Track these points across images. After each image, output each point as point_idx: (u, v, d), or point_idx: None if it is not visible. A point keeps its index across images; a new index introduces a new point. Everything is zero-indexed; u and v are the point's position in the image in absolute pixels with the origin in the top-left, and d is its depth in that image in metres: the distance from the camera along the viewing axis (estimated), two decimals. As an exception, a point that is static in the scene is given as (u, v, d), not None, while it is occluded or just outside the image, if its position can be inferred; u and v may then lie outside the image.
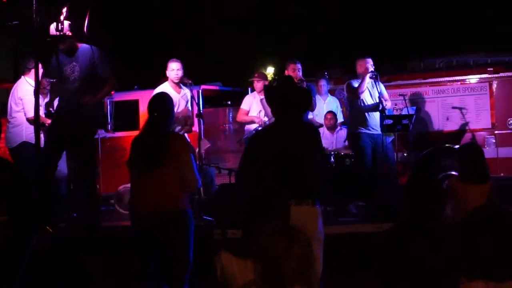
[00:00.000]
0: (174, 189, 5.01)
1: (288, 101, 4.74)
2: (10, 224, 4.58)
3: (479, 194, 5.54)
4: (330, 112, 10.02)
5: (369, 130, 8.63)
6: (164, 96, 5.51)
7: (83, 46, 7.32)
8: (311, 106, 8.45)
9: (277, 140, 4.66)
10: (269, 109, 7.93)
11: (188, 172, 5.04)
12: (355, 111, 8.79)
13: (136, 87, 11.29)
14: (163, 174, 4.98)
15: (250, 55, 18.79)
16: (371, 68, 8.53)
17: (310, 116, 9.33)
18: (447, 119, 10.54)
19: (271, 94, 4.93)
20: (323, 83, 10.29)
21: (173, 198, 5.01)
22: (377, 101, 8.74)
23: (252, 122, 8.76)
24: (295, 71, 8.33)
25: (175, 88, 8.12)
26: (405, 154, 10.14)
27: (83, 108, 7.10)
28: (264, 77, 9.36)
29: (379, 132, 8.74)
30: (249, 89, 9.49)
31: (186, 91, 8.19)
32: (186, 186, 5.10)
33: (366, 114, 8.64)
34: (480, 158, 5.78)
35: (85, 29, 8.42)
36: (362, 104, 8.66)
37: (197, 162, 8.57)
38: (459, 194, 5.60)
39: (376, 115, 8.71)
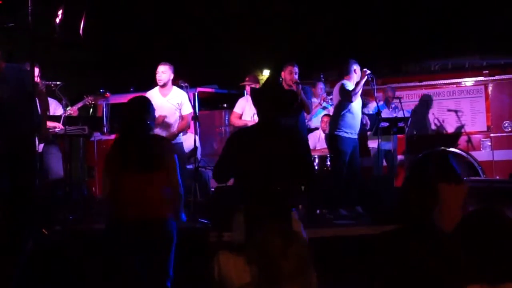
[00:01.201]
0: (160, 195, 4.96)
1: (271, 102, 4.75)
2: (6, 221, 4.58)
3: (455, 195, 5.62)
4: (326, 115, 10.01)
5: (351, 134, 8.54)
6: (140, 99, 5.43)
7: (9, 66, 7.03)
8: (307, 109, 8.45)
9: (254, 141, 4.69)
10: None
11: (173, 176, 5.02)
12: (341, 114, 8.54)
13: (132, 89, 11.28)
14: (149, 179, 4.93)
15: (247, 57, 18.78)
16: (368, 71, 8.48)
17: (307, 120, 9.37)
18: (443, 121, 10.57)
19: (255, 96, 4.96)
20: (321, 86, 10.30)
21: (158, 205, 4.94)
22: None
23: (245, 125, 8.72)
24: (292, 73, 8.29)
25: (162, 92, 8.10)
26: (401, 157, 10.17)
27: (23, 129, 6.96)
28: (256, 80, 9.37)
29: (356, 136, 8.64)
30: (245, 91, 9.49)
31: (175, 95, 8.14)
32: (171, 190, 5.04)
33: (352, 117, 8.55)
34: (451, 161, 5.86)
35: (80, 31, 8.43)
36: (350, 107, 8.54)
37: (194, 165, 8.58)
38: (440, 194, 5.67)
39: (359, 119, 8.65)
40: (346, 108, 8.49)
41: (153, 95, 7.95)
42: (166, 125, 8.02)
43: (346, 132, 8.48)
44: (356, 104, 8.54)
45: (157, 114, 7.72)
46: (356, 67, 8.54)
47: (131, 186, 4.96)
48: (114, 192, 5.06)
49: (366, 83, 8.65)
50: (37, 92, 7.19)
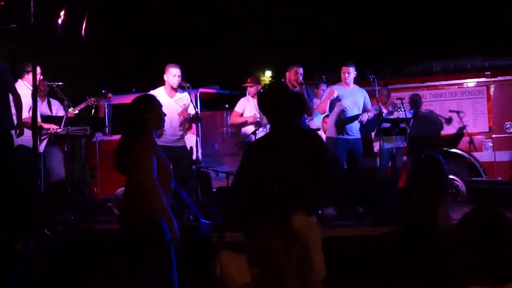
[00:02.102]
0: (145, 196, 4.72)
1: (280, 107, 4.72)
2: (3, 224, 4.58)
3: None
4: (327, 115, 10.02)
5: (344, 135, 8.72)
6: (144, 97, 5.31)
7: None
8: (308, 110, 8.52)
9: (271, 149, 4.63)
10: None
11: (143, 175, 4.70)
12: (332, 116, 8.92)
13: (133, 90, 11.28)
14: (131, 179, 4.83)
15: (248, 58, 18.82)
16: (336, 93, 8.74)
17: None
18: (445, 122, 10.56)
19: (263, 101, 4.91)
20: (324, 87, 10.31)
21: (143, 205, 4.72)
22: (359, 106, 8.84)
23: (246, 122, 8.79)
24: (297, 74, 8.43)
25: (169, 93, 8.13)
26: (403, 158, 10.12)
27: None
28: (257, 81, 9.42)
29: (356, 136, 8.81)
30: (247, 92, 9.51)
31: (182, 96, 8.19)
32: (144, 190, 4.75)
33: (343, 119, 8.75)
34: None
35: (82, 32, 8.44)
36: (336, 110, 8.78)
37: (196, 166, 8.59)
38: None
39: (351, 120, 8.77)
40: (333, 111, 8.85)
41: (160, 95, 7.99)
42: (175, 126, 8.13)
43: (337, 133, 8.78)
44: (345, 105, 8.69)
45: (166, 114, 7.89)
46: (344, 71, 8.75)
47: (125, 186, 4.93)
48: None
49: (367, 84, 8.73)
50: (14, 91, 7.27)
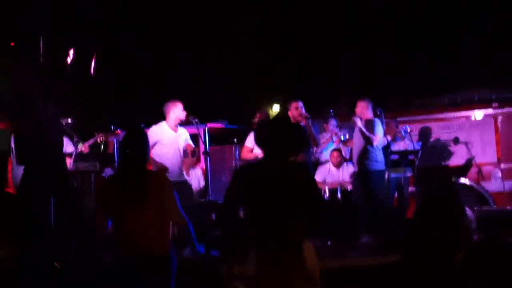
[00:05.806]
0: (158, 230, 4.91)
1: (277, 141, 4.63)
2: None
3: None
4: (336, 150, 10.08)
5: (355, 166, 8.97)
6: (138, 132, 5.29)
7: None
8: (315, 142, 8.63)
9: (261, 179, 4.58)
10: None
11: (172, 209, 4.96)
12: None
13: (142, 125, 11.36)
14: (146, 214, 4.87)
15: (256, 93, 18.91)
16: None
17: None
18: (453, 153, 10.61)
19: (261, 133, 4.82)
20: (333, 122, 10.36)
21: (157, 240, 4.90)
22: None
23: (256, 158, 8.82)
24: (298, 109, 8.53)
25: (173, 128, 8.26)
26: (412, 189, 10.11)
27: None
28: (267, 116, 9.52)
29: (364, 167, 8.77)
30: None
31: (182, 130, 8.33)
32: (174, 222, 5.04)
33: (356, 152, 8.88)
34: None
35: (91, 70, 8.56)
36: (354, 142, 8.96)
37: (206, 199, 8.64)
38: None
39: (359, 151, 8.82)
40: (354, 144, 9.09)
41: (165, 130, 8.18)
42: (180, 160, 8.33)
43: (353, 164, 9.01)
44: (357, 137, 8.88)
45: (171, 148, 8.01)
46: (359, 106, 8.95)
47: (131, 222, 4.90)
48: (116, 228, 5.02)
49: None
50: None
